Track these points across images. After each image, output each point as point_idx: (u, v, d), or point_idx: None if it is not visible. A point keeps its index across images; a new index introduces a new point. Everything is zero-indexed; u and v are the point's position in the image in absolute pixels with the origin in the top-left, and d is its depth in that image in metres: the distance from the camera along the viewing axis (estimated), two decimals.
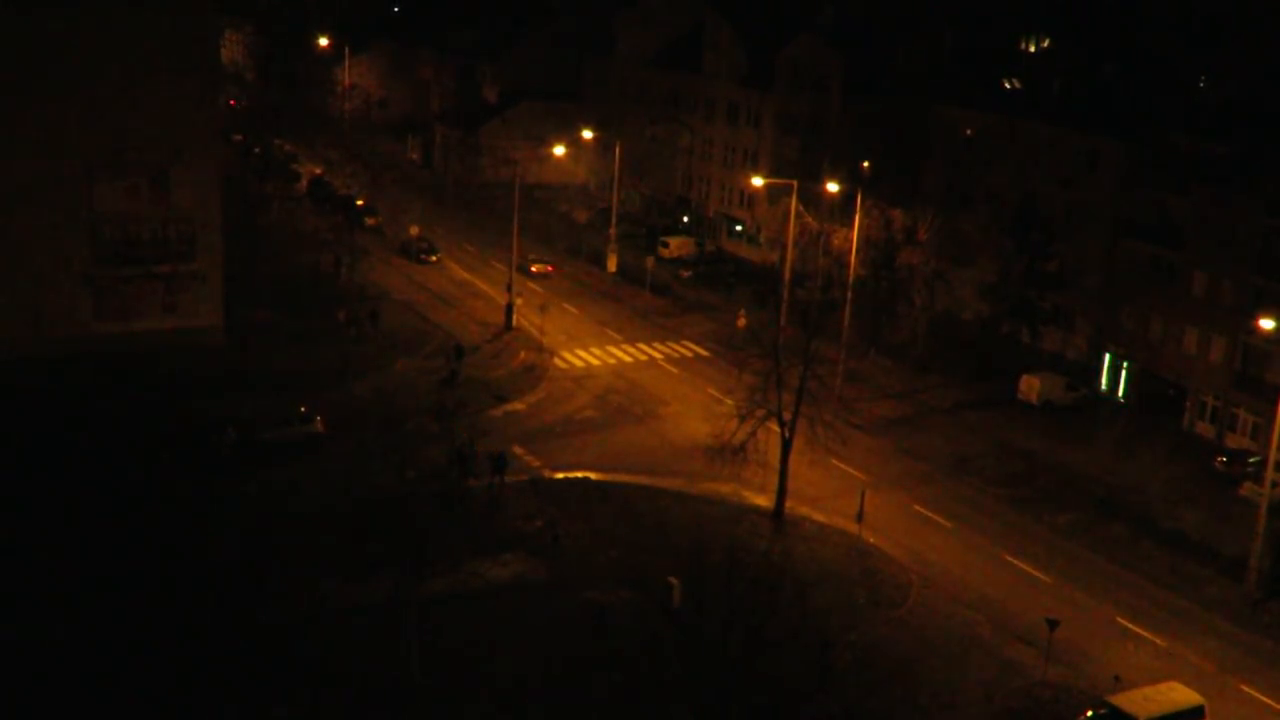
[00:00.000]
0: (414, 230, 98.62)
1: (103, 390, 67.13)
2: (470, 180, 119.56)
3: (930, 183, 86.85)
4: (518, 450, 64.48)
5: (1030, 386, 75.70)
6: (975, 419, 73.80)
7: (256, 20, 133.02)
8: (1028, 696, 47.12)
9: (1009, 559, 57.65)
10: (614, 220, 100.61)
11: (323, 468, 58.67)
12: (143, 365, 70.39)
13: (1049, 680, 47.83)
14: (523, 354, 79.15)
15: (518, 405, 71.20)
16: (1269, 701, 48.13)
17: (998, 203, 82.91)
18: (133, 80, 70.96)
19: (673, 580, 50.21)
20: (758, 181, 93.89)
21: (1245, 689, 48.77)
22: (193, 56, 73.03)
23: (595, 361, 79.27)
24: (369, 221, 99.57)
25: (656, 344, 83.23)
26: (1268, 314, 63.86)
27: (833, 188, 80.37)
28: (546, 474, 62.70)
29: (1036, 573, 56.47)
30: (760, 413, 57.92)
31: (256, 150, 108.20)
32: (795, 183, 79.91)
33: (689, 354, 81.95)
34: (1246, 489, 64.19)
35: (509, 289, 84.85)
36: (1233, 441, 70.59)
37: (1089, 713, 45.24)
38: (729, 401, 64.39)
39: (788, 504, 59.49)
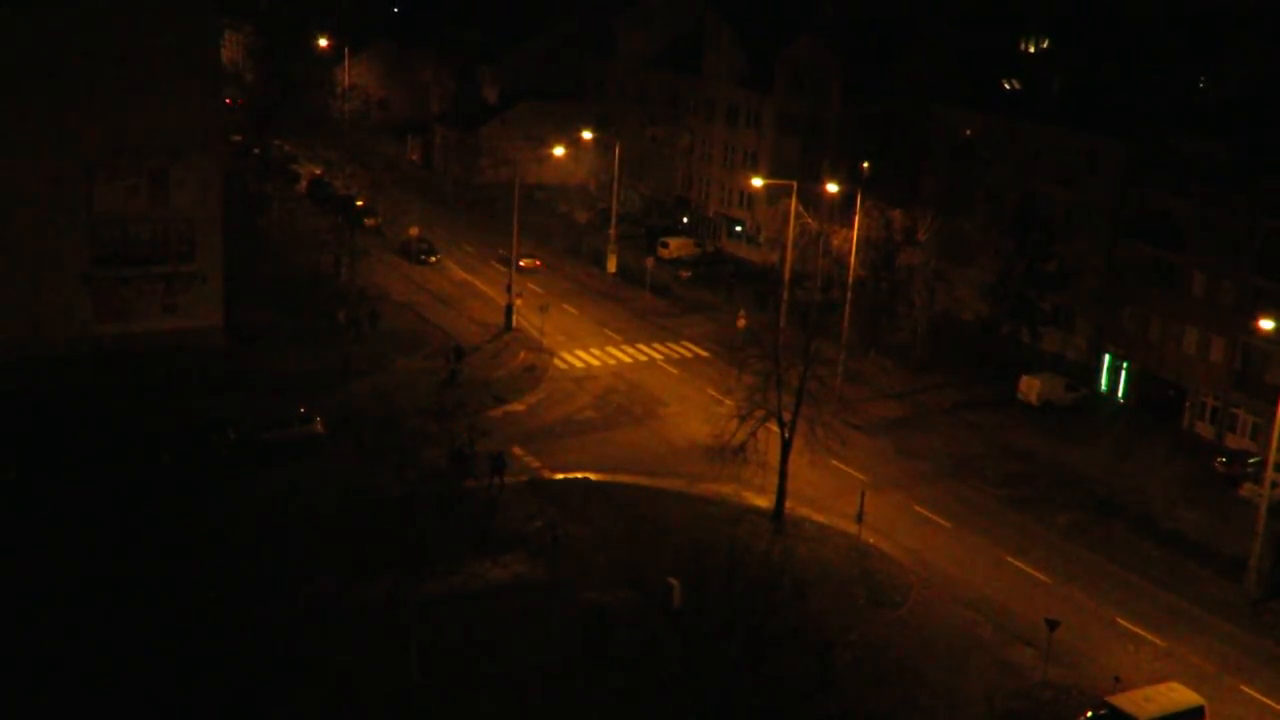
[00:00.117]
0: (414, 231, 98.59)
1: (102, 391, 67.11)
2: (470, 181, 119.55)
3: (930, 183, 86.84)
4: (517, 451, 64.47)
5: (1030, 387, 75.68)
6: (975, 419, 73.79)
7: (256, 21, 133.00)
8: (1028, 697, 47.11)
9: (1009, 559, 57.64)
10: (614, 221, 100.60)
11: (322, 468, 58.66)
12: (142, 366, 70.38)
13: (1049, 681, 47.81)
14: (522, 354, 79.14)
15: (517, 406, 71.19)
16: (1269, 702, 48.12)
17: (997, 203, 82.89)
18: (133, 80, 70.95)
19: (673, 580, 50.22)
20: (757, 182, 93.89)
21: (1245, 689, 48.76)
22: (193, 56, 73.01)
23: (595, 362, 79.27)
24: (368, 222, 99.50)
25: (656, 344, 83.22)
26: (1267, 314, 63.84)
27: (832, 188, 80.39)
28: (546, 474, 62.70)
29: (1036, 573, 56.45)
30: (760, 413, 57.90)
31: (256, 151, 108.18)
32: (795, 183, 79.92)
33: (689, 354, 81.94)
34: (1246, 489, 64.18)
35: (509, 289, 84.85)
36: (1232, 442, 70.58)
37: (1089, 713, 45.24)
38: (729, 402, 64.35)
39: (788, 504, 59.47)
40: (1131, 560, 58.33)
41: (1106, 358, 78.61)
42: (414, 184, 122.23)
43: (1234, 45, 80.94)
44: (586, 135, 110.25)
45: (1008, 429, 72.63)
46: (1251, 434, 69.59)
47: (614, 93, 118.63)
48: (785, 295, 77.04)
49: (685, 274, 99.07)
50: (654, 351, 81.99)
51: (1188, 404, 73.63)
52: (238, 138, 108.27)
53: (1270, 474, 56.06)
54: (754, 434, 57.75)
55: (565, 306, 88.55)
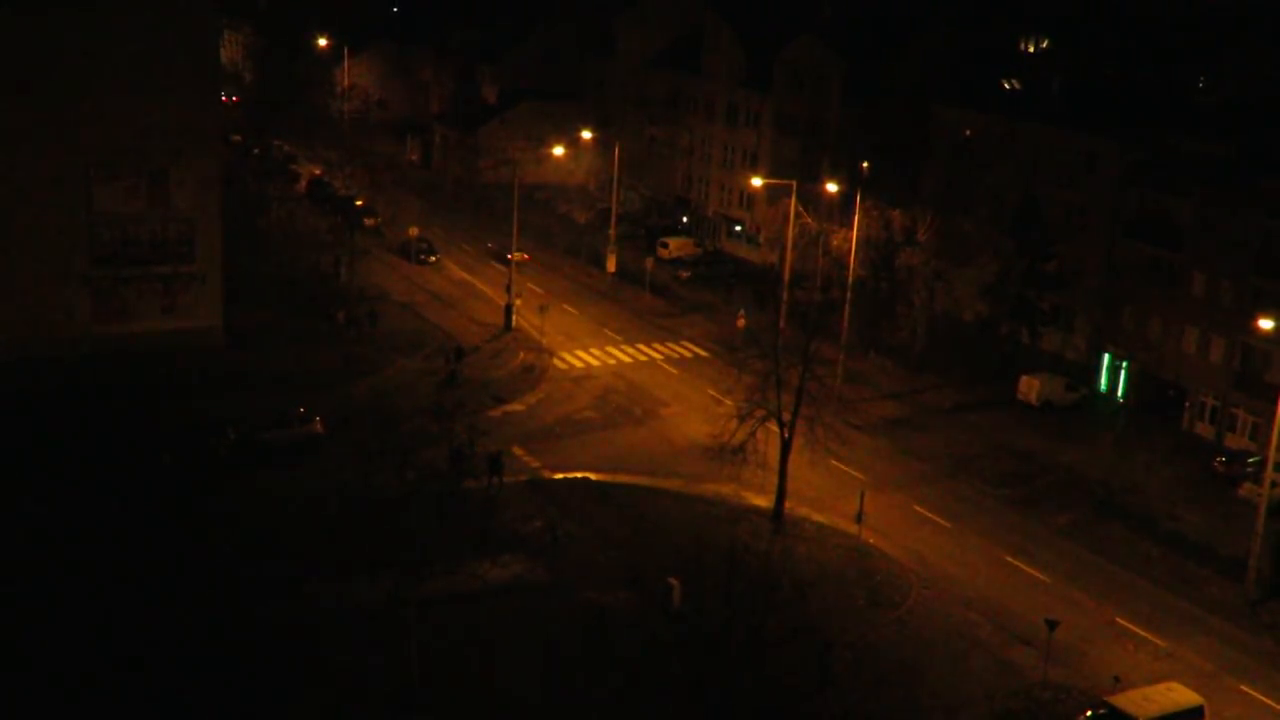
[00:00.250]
0: (413, 231, 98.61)
1: (102, 391, 67.08)
2: (470, 181, 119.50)
3: (930, 183, 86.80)
4: (517, 451, 64.46)
5: (1030, 387, 75.66)
6: (975, 419, 73.78)
7: (256, 21, 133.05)
8: (1027, 697, 47.10)
9: (1009, 559, 57.63)
10: (613, 221, 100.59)
11: (322, 468, 58.65)
12: (142, 366, 70.35)
13: (1049, 681, 47.79)
14: (522, 354, 79.13)
15: (517, 406, 71.18)
16: (1269, 702, 48.11)
17: (997, 203, 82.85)
18: (133, 80, 70.95)
19: (673, 580, 50.21)
20: (757, 182, 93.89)
21: (1245, 689, 48.76)
22: (193, 56, 73.02)
23: (595, 362, 79.26)
24: (368, 222, 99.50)
25: (656, 344, 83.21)
26: (1267, 314, 63.81)
27: (832, 188, 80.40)
28: (546, 474, 62.69)
29: (1036, 573, 56.45)
30: (760, 413, 57.88)
31: (256, 151, 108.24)
32: (794, 183, 79.89)
33: (688, 354, 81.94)
34: (1246, 489, 64.16)
35: (508, 289, 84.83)
36: (1232, 442, 70.56)
37: (1088, 713, 45.24)
38: (728, 402, 64.36)
39: (787, 504, 59.46)
40: (1131, 560, 58.33)
41: (1106, 358, 78.60)
42: (413, 184, 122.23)
43: (1234, 45, 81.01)
44: (586, 135, 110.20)
45: (1007, 429, 72.62)
46: (1251, 434, 69.58)
47: (614, 93, 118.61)
48: (785, 295, 76.89)
49: (685, 274, 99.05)
50: (654, 351, 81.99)
51: (1187, 404, 73.62)
52: (238, 138, 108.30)
53: (1270, 474, 56.06)
54: (754, 434, 57.73)
55: (565, 306, 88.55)
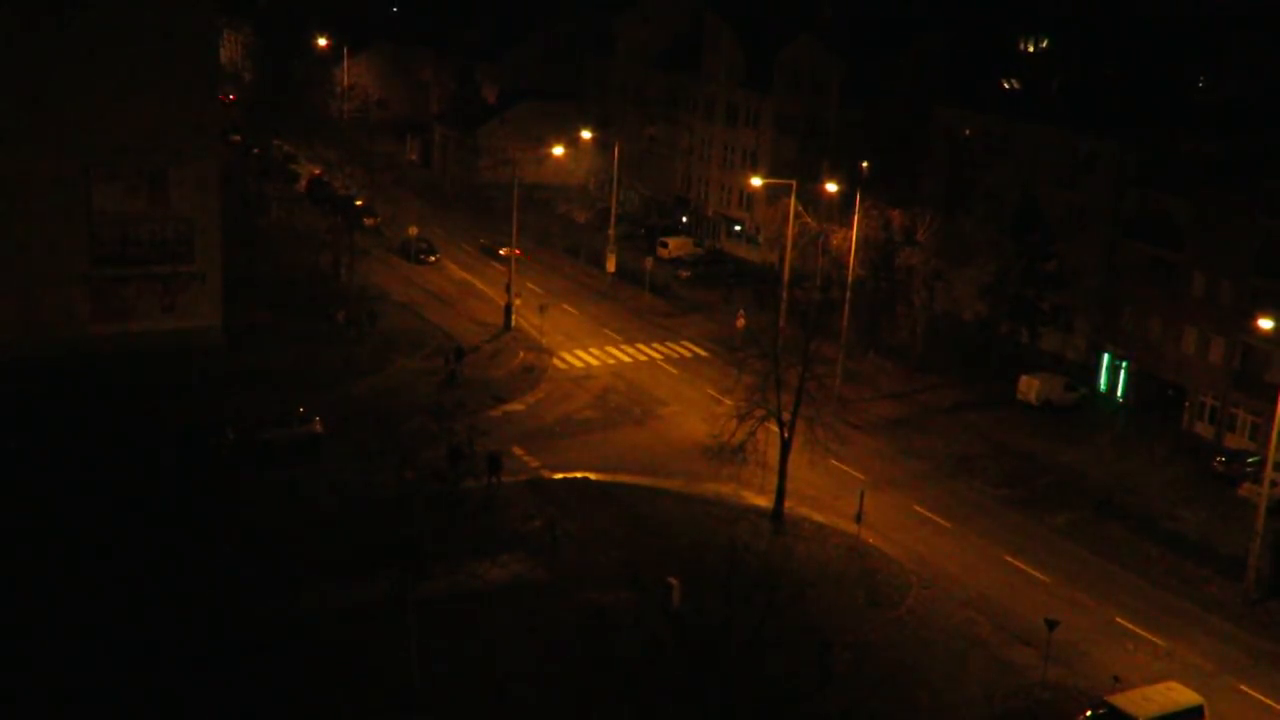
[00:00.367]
0: (413, 231, 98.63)
1: (101, 391, 67.05)
2: (469, 180, 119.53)
3: (929, 183, 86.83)
4: (517, 451, 64.46)
5: (1029, 387, 75.68)
6: (974, 419, 73.79)
7: (255, 21, 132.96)
8: (1027, 696, 47.12)
9: (1009, 559, 57.64)
10: (613, 220, 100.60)
11: (322, 468, 58.65)
12: (141, 366, 70.32)
13: (1048, 680, 47.80)
14: (522, 354, 79.13)
15: (517, 406, 71.18)
16: (1268, 701, 48.12)
17: (997, 203, 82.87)
18: (132, 80, 70.86)
19: (673, 580, 50.20)
20: (757, 182, 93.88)
21: (1244, 689, 48.77)
22: (192, 57, 72.96)
23: (594, 362, 79.26)
24: (368, 222, 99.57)
25: (655, 344, 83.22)
26: (1266, 314, 63.84)
27: (832, 188, 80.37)
28: (545, 474, 62.69)
29: (1036, 573, 56.46)
30: (759, 413, 57.87)
31: (255, 151, 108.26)
32: (794, 183, 79.88)
33: (688, 354, 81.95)
34: (1245, 489, 64.19)
35: (508, 289, 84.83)
36: (1232, 442, 70.58)
37: (1088, 713, 45.24)
38: (728, 402, 64.35)
39: (787, 504, 59.46)
40: (1131, 560, 58.34)
41: (1106, 357, 78.63)
42: (413, 184, 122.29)
43: (1234, 45, 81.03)
44: (586, 135, 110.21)
45: (1007, 429, 72.63)
46: (1251, 434, 69.60)
47: (613, 93, 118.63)
48: (784, 295, 77.01)
49: (684, 274, 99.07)
50: (653, 351, 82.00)
51: (1187, 404, 73.63)
52: (237, 138, 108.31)
53: (1269, 474, 56.07)
54: (753, 434, 57.73)
55: (564, 306, 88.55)
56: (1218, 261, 71.36)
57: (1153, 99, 79.53)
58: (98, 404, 65.48)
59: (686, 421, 69.94)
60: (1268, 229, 68.71)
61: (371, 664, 45.29)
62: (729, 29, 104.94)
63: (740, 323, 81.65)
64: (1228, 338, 70.97)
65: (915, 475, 66.01)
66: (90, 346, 71.18)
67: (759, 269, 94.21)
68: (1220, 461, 67.82)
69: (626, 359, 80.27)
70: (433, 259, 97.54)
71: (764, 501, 60.31)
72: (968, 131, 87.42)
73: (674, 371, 78.75)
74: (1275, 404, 54.72)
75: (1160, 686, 46.49)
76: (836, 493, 62.01)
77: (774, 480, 59.24)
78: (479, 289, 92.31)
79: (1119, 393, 77.99)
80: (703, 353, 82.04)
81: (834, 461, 62.74)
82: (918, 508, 62.13)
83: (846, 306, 75.51)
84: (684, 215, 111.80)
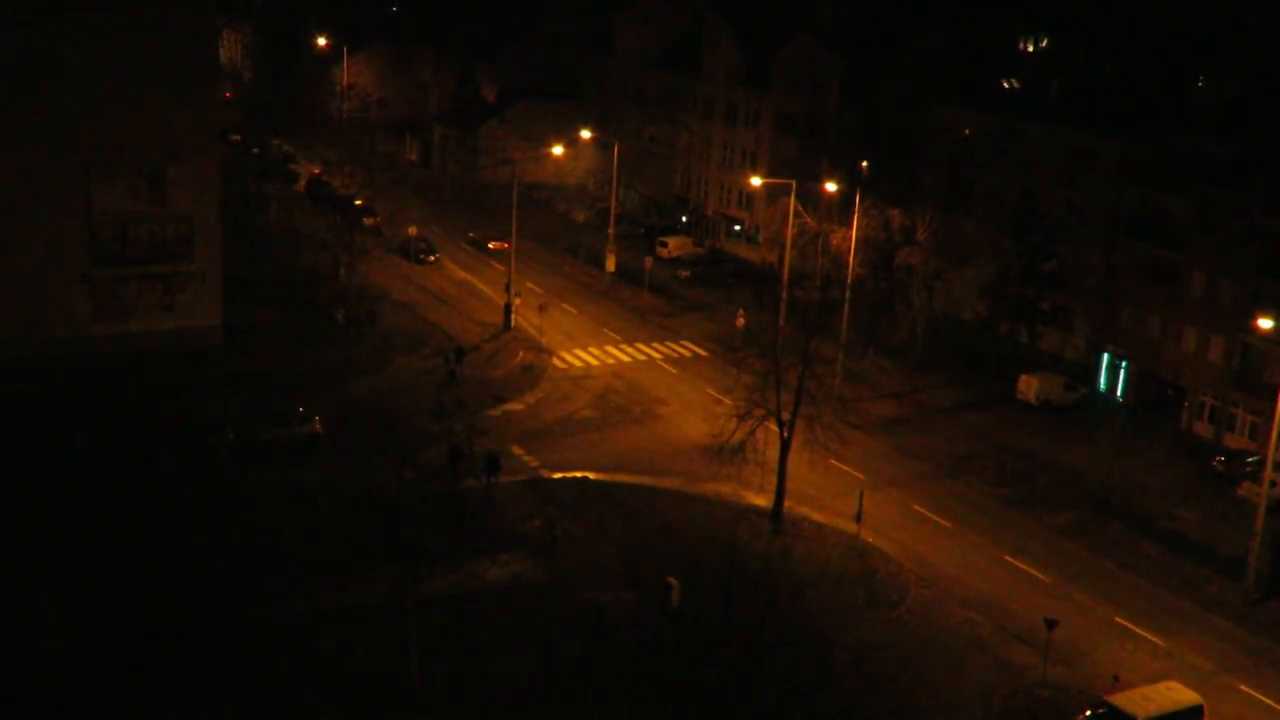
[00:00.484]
0: (412, 230, 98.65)
1: (101, 391, 67.06)
2: (469, 180, 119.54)
3: (929, 183, 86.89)
4: (516, 450, 64.46)
5: (1029, 386, 75.69)
6: (974, 419, 73.79)
7: (255, 20, 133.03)
8: (1027, 696, 47.12)
9: (1008, 559, 57.64)
10: (613, 220, 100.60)
11: (322, 468, 58.63)
12: (141, 365, 70.34)
13: (1048, 680, 47.81)
14: (521, 354, 79.12)
15: (516, 405, 71.17)
16: (1268, 701, 48.13)
17: (996, 203, 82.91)
18: (132, 80, 70.89)
19: (672, 580, 50.21)
20: (756, 181, 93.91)
21: (1244, 689, 48.78)
22: (192, 56, 72.99)
23: (594, 361, 79.26)
24: (367, 221, 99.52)
25: (655, 344, 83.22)
26: (1266, 313, 63.86)
27: (831, 188, 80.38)
28: (545, 474, 62.68)
29: (1036, 573, 56.46)
30: (759, 412, 57.86)
31: (255, 150, 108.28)
32: (794, 183, 79.91)
33: (687, 354, 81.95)
34: (1245, 489, 64.19)
35: (508, 289, 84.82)
36: (1231, 441, 70.60)
37: (1088, 712, 45.25)
38: (728, 401, 64.36)
39: (786, 504, 59.46)
40: (1130, 560, 58.35)
41: (1105, 357, 78.64)
42: (413, 183, 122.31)
43: (1234, 45, 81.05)
44: (585, 135, 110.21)
45: (1006, 429, 72.64)
46: (1250, 433, 69.61)
47: (612, 92, 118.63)
48: (784, 295, 77.00)
49: (684, 273, 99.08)
50: (653, 351, 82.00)
51: (1186, 403, 73.65)
52: (237, 137, 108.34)
53: (1269, 473, 56.09)
54: (753, 433, 57.72)
55: (564, 306, 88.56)
56: (1217, 261, 71.37)
57: (1153, 99, 79.54)
58: (98, 404, 65.48)
59: (686, 421, 69.94)
60: (1268, 229, 68.72)
61: (371, 664, 45.29)
62: (729, 28, 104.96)
63: (740, 322, 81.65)
64: (1227, 337, 70.99)
65: (915, 475, 66.01)
66: (90, 346, 71.22)
67: (759, 269, 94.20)
68: (1220, 461, 67.84)
69: (626, 359, 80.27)
70: (432, 259, 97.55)
71: (764, 501, 60.31)
72: (967, 131, 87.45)
73: (673, 371, 78.76)
74: (1275, 403, 54.75)
75: (1160, 686, 46.50)
76: (836, 492, 62.01)
77: (773, 480, 59.24)
78: (479, 289, 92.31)
79: (1119, 392, 77.99)
80: (702, 352, 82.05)
81: (834, 461, 62.73)
82: (917, 508, 62.13)
83: (846, 306, 75.51)
84: (683, 215, 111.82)
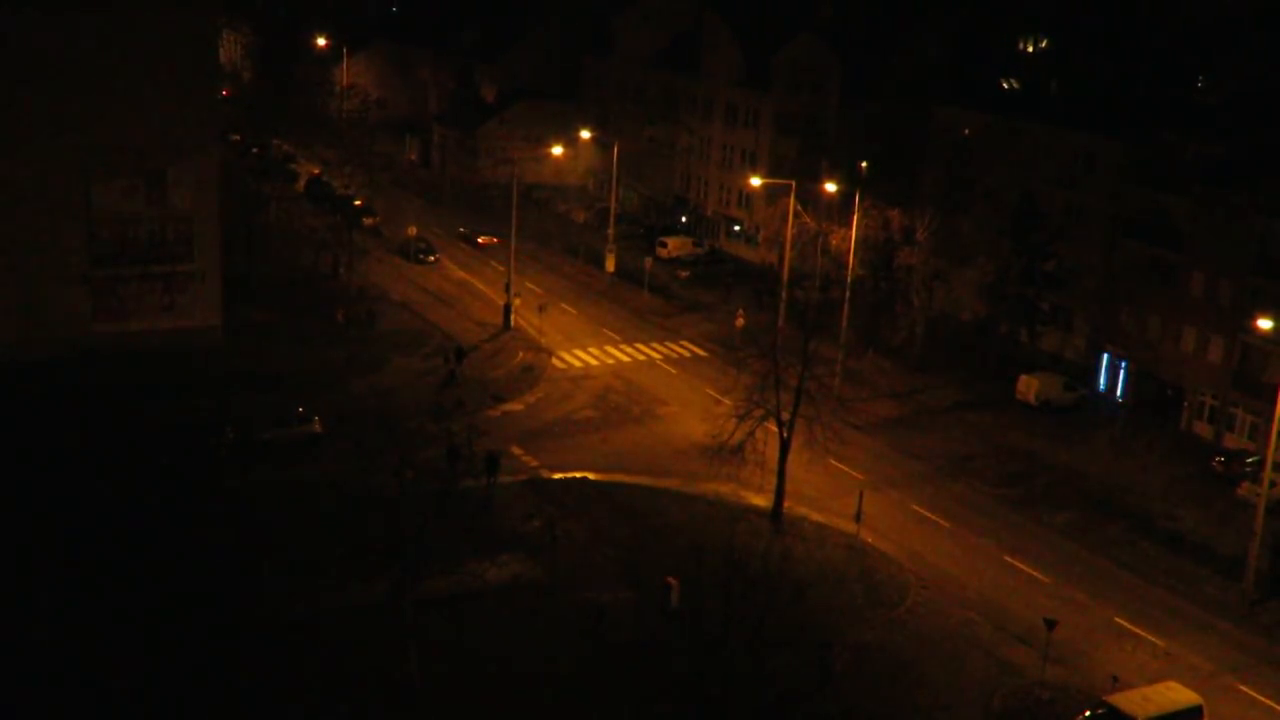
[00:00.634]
0: (412, 230, 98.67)
1: (101, 390, 67.05)
2: (468, 180, 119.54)
3: (928, 183, 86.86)
4: (516, 450, 64.46)
5: (1028, 386, 75.70)
6: (974, 419, 73.79)
7: (255, 20, 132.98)
8: (1026, 696, 47.13)
9: (1008, 559, 57.65)
10: (612, 220, 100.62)
11: (321, 468, 58.62)
12: (141, 365, 70.33)
13: (1047, 680, 47.81)
14: (521, 354, 79.12)
15: (516, 405, 71.18)
16: (1268, 702, 48.14)
17: (996, 203, 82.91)
18: (131, 80, 70.92)
19: (671, 580, 50.22)
20: (756, 181, 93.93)
21: (1244, 689, 48.78)
22: (192, 56, 73.02)
23: (593, 361, 79.27)
24: (367, 221, 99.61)
25: (655, 344, 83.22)
26: (1265, 314, 63.86)
27: (831, 188, 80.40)
28: (545, 474, 62.68)
29: (1035, 573, 56.46)
30: (758, 413, 57.86)
31: (255, 150, 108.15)
32: (793, 183, 79.93)
33: (687, 354, 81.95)
34: (1244, 489, 64.18)
35: (507, 289, 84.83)
36: (1231, 442, 70.59)
37: (1087, 713, 45.24)
38: (727, 401, 64.36)
39: (786, 504, 59.47)
40: (1130, 560, 58.35)
41: (1105, 357, 78.64)
42: (412, 183, 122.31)
43: (1234, 45, 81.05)
44: (585, 135, 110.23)
45: (1006, 429, 72.64)
46: (1250, 433, 69.61)
47: (612, 92, 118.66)
48: (784, 295, 77.01)
49: (684, 273, 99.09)
50: (652, 351, 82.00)
51: (1186, 404, 73.65)
52: (236, 137, 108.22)
53: (1268, 473, 56.08)
54: (752, 433, 57.71)
55: (564, 306, 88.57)
56: (1217, 261, 71.38)
57: (1153, 99, 79.54)
58: (98, 404, 65.47)
59: (685, 421, 69.94)
60: (1267, 229, 68.72)
61: (371, 664, 45.29)
62: (728, 28, 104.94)
63: (739, 322, 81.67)
64: (1227, 337, 70.99)
65: (914, 475, 66.01)
66: (90, 346, 71.21)
67: (758, 269, 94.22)
68: (1219, 461, 67.84)
69: (625, 359, 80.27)
70: (432, 259, 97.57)
71: (763, 501, 60.31)
72: (967, 131, 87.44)
73: (673, 371, 78.76)
74: (1274, 404, 54.76)
75: (1159, 686, 46.50)
76: (836, 493, 62.01)
77: (773, 480, 59.24)
78: (478, 289, 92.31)
79: (1118, 392, 77.99)
80: (702, 352, 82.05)
81: (833, 461, 62.76)
82: (917, 508, 62.14)
83: (846, 306, 75.52)
84: (683, 215, 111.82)
